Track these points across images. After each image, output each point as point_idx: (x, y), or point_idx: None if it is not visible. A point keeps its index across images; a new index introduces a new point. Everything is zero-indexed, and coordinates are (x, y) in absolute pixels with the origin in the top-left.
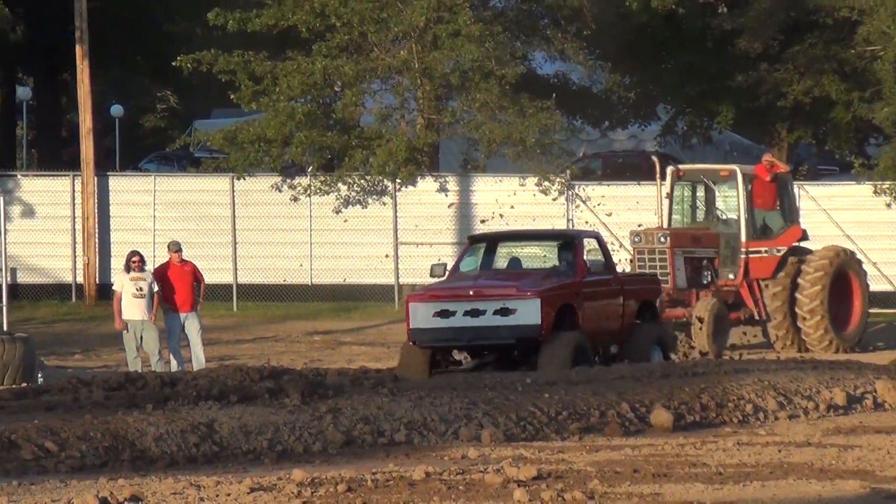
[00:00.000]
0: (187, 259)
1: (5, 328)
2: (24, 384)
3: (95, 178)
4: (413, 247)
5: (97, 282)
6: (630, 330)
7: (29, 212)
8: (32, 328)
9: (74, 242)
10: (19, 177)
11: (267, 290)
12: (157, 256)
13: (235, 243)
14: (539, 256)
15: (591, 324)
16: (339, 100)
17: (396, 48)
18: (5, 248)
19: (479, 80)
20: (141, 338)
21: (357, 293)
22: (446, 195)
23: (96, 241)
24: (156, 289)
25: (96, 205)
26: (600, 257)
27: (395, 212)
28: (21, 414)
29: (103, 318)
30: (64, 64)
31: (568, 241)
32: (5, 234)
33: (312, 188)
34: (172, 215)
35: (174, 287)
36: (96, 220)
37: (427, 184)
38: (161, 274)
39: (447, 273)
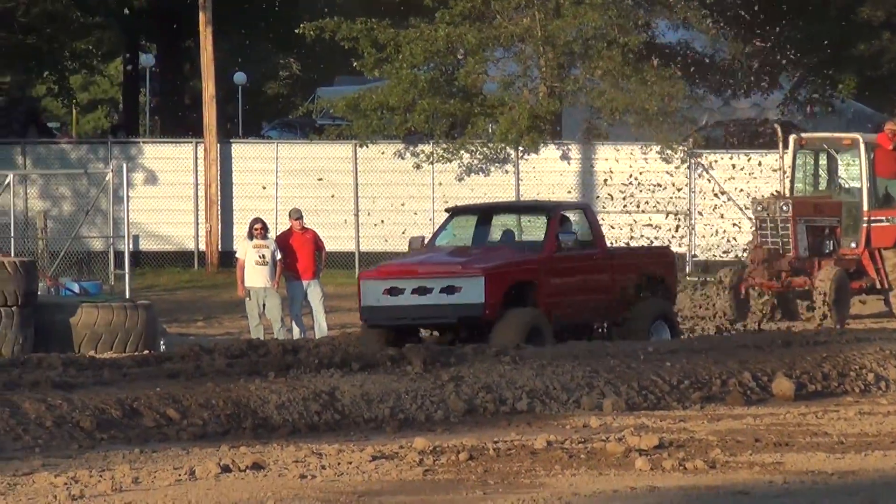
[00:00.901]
0: (308, 227)
1: (128, 296)
2: (146, 352)
3: (218, 146)
4: None
5: (219, 249)
6: (627, 306)
7: (152, 179)
8: (155, 295)
9: (197, 210)
10: (142, 144)
11: (389, 258)
12: (279, 224)
13: (357, 211)
14: (527, 229)
15: (559, 301)
16: (461, 67)
17: (519, 16)
18: (128, 216)
19: (602, 48)
20: (263, 305)
21: None
22: (569, 163)
23: (219, 208)
24: (278, 256)
25: (219, 172)
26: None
27: (518, 179)
28: (143, 381)
29: (225, 285)
30: (187, 31)
31: (544, 214)
32: (128, 201)
33: (435, 156)
34: (295, 182)
35: (296, 254)
36: (219, 187)
37: (549, 151)
38: (283, 241)
39: (423, 246)
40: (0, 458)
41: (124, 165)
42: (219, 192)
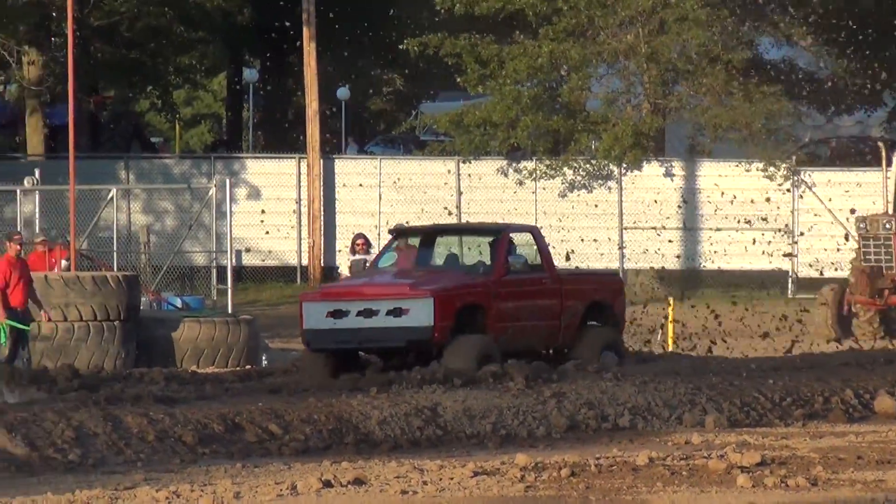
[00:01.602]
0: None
1: (230, 310)
2: (248, 366)
3: (321, 161)
4: (638, 231)
5: (322, 264)
6: (575, 333)
7: (255, 194)
8: (257, 310)
9: (300, 225)
10: (245, 159)
11: None
12: (381, 239)
13: None
14: (473, 252)
15: (508, 326)
16: (565, 84)
17: (623, 32)
18: (231, 231)
19: (706, 64)
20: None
21: None
22: (671, 180)
23: (321, 223)
24: None
25: (322, 187)
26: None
27: (621, 196)
28: (245, 396)
29: None
30: (291, 46)
31: (491, 237)
32: (231, 216)
33: (538, 172)
34: (397, 198)
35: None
36: (321, 202)
37: (652, 168)
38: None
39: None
40: (102, 472)
41: (227, 180)
42: (321, 208)
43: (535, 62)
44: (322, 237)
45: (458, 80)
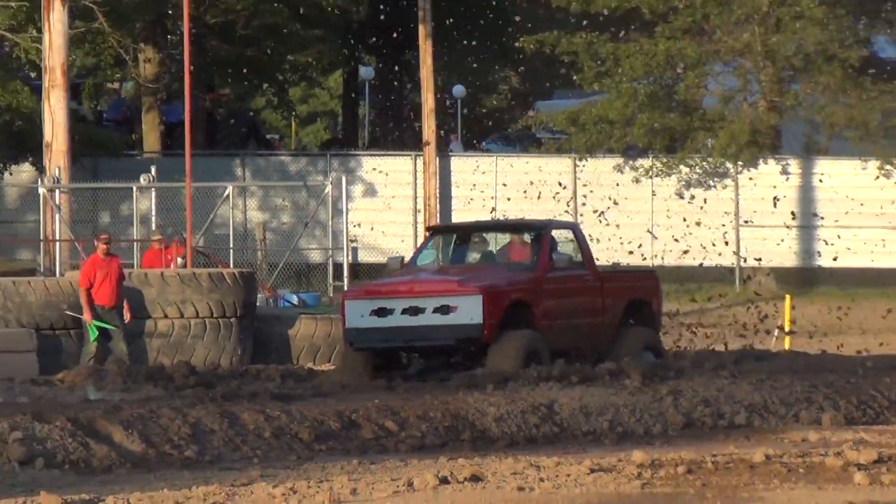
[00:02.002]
0: (528, 241)
1: None
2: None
3: (437, 158)
4: (754, 229)
5: None
6: (614, 331)
7: (370, 191)
8: None
9: (416, 222)
10: (361, 156)
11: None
12: (497, 237)
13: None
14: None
15: (553, 323)
16: (681, 81)
17: (739, 31)
18: (347, 227)
19: (822, 62)
20: None
21: (698, 275)
22: (787, 178)
23: (437, 220)
24: None
25: (438, 184)
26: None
27: (737, 194)
28: (361, 393)
29: None
30: (407, 44)
31: (532, 233)
32: (347, 213)
33: (654, 170)
34: (513, 196)
35: None
36: (437, 199)
37: (769, 166)
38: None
39: (403, 267)
40: (219, 468)
41: (343, 178)
42: (438, 205)
43: (651, 60)
44: None
45: (575, 77)
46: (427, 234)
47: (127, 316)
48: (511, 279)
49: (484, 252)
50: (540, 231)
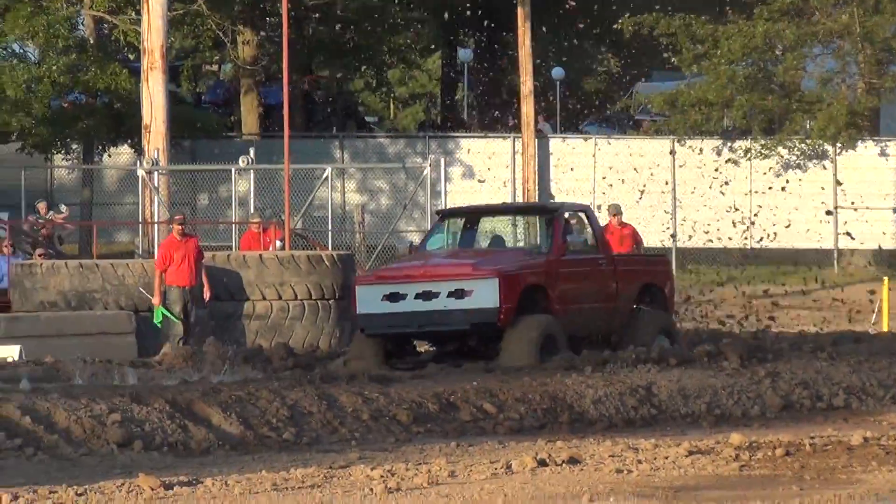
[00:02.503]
0: (627, 222)
1: None
2: None
3: (535, 140)
4: (852, 211)
5: None
6: (627, 316)
7: (469, 173)
8: None
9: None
10: (460, 138)
11: (706, 254)
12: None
13: (675, 206)
14: (520, 233)
15: (569, 307)
16: (779, 63)
17: (838, 12)
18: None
19: None
20: None
21: (796, 257)
22: (886, 160)
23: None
24: None
25: (535, 167)
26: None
27: (835, 176)
28: (459, 375)
29: None
30: (505, 26)
31: (545, 216)
32: (446, 195)
33: (753, 152)
34: (612, 178)
35: (613, 249)
36: (535, 182)
37: (867, 148)
38: None
39: (412, 252)
40: (317, 450)
41: (442, 160)
42: (536, 187)
43: (749, 42)
44: None
45: (673, 59)
46: (437, 217)
47: (207, 294)
48: (526, 262)
49: (490, 235)
50: (553, 214)
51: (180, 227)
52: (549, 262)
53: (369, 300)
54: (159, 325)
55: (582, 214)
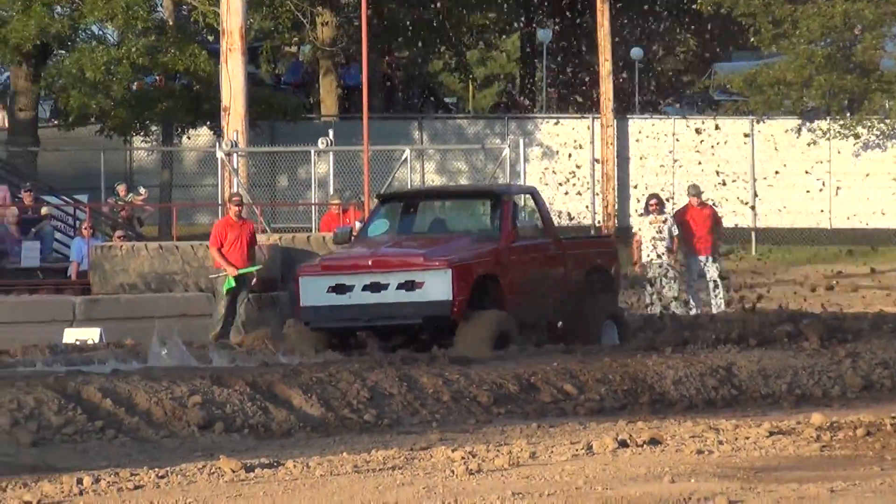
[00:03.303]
0: (706, 202)
1: None
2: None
3: (615, 121)
4: None
5: (616, 224)
6: (575, 303)
7: (548, 154)
8: None
9: (593, 185)
10: (539, 119)
11: (785, 234)
12: (675, 199)
13: (755, 186)
14: (466, 217)
15: (520, 297)
16: (858, 43)
17: None
18: None
19: None
20: (660, 280)
21: (876, 237)
22: None
23: (615, 183)
24: (675, 232)
25: (615, 147)
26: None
27: None
28: (540, 356)
29: (622, 261)
30: (584, 6)
31: (493, 200)
32: (525, 176)
33: (832, 132)
34: (691, 158)
35: (693, 230)
36: (615, 162)
37: None
38: (680, 217)
39: (352, 238)
40: (398, 431)
41: (521, 140)
42: (615, 168)
43: (828, 21)
44: (616, 197)
45: (752, 39)
46: (377, 201)
47: (255, 280)
48: (478, 251)
49: (435, 220)
50: (501, 197)
51: (237, 208)
52: (501, 249)
53: (314, 292)
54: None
55: (529, 197)
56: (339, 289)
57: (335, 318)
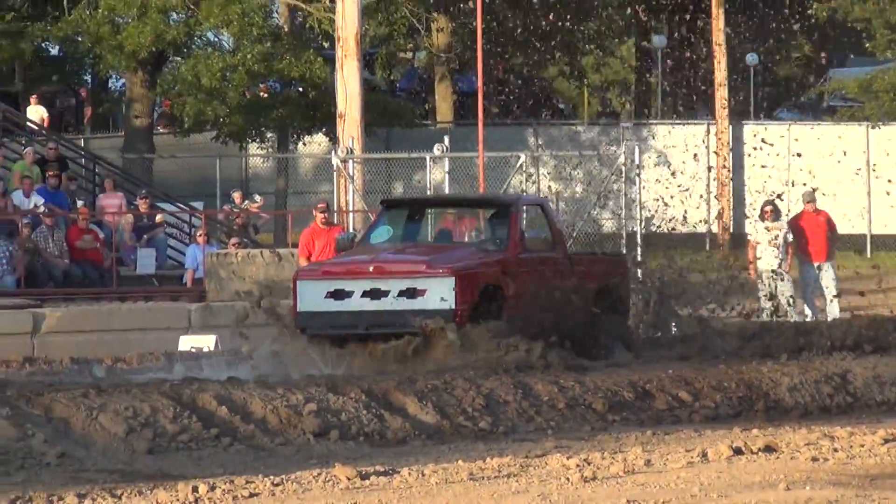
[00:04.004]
0: (821, 209)
1: (640, 277)
2: (657, 334)
3: (730, 127)
4: None
5: (731, 231)
6: (583, 320)
7: (663, 160)
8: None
9: (708, 191)
10: (654, 125)
11: None
12: (791, 205)
13: (870, 192)
14: (473, 226)
15: (524, 311)
16: None
17: None
18: (640, 197)
19: None
20: (775, 287)
21: None
22: None
23: (730, 189)
24: (790, 238)
25: (730, 153)
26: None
27: None
28: (655, 364)
29: (737, 267)
30: (699, 12)
31: (501, 209)
32: (640, 182)
33: None
34: (806, 164)
35: (808, 237)
36: (730, 168)
37: None
38: (795, 223)
39: (354, 245)
40: (513, 439)
41: (636, 147)
42: (730, 174)
43: None
44: (731, 204)
45: (868, 45)
46: (381, 207)
47: None
48: (483, 260)
49: (441, 228)
50: (509, 207)
51: (323, 215)
52: (507, 259)
53: (311, 297)
54: None
55: (538, 208)
56: (338, 294)
57: (331, 325)
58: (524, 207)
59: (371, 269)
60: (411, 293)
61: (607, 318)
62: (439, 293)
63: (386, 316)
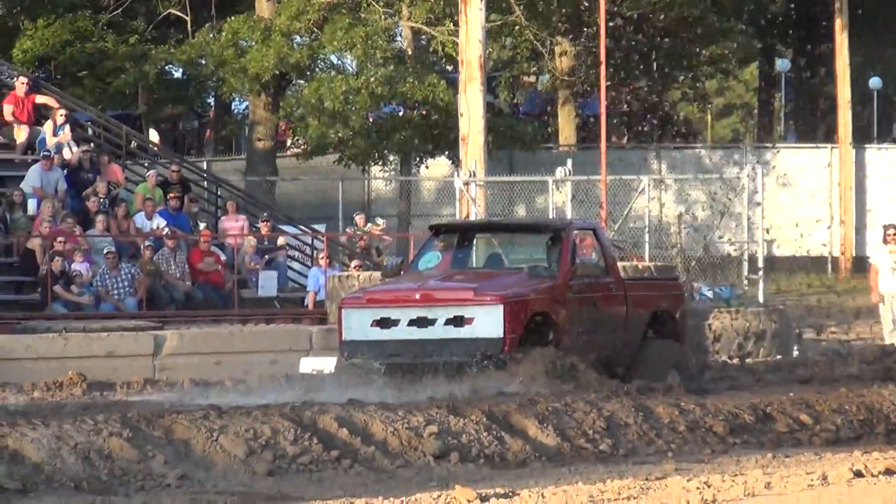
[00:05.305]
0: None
1: (761, 300)
2: (778, 357)
3: (853, 151)
4: None
5: (853, 254)
6: (637, 347)
7: (786, 183)
8: (788, 300)
9: (831, 215)
10: (777, 149)
11: None
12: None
13: None
14: (523, 252)
15: (576, 338)
16: None
17: None
18: (763, 220)
19: None
20: None
21: None
22: None
23: (853, 213)
24: None
25: (853, 177)
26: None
27: None
28: (776, 386)
29: (859, 290)
30: (822, 36)
31: (552, 234)
32: (762, 206)
33: None
34: None
35: None
36: (853, 191)
37: None
38: None
39: (402, 272)
40: (633, 461)
41: (759, 170)
42: (853, 198)
43: None
44: (853, 227)
45: None
46: (430, 233)
47: None
48: (533, 287)
49: (491, 254)
50: (560, 232)
51: None
52: (557, 286)
53: (357, 325)
54: None
55: (591, 233)
56: (384, 323)
57: (377, 354)
58: (575, 232)
59: (418, 296)
60: (458, 321)
61: (662, 343)
62: (487, 321)
63: (432, 345)
